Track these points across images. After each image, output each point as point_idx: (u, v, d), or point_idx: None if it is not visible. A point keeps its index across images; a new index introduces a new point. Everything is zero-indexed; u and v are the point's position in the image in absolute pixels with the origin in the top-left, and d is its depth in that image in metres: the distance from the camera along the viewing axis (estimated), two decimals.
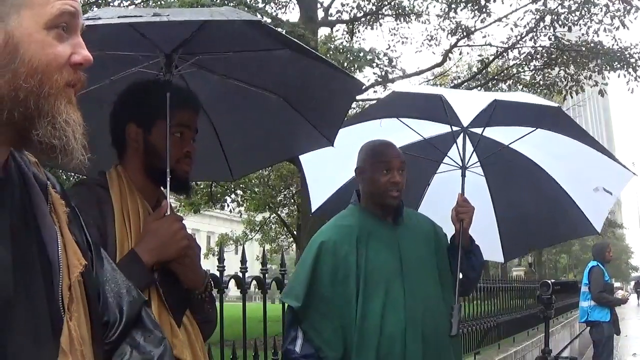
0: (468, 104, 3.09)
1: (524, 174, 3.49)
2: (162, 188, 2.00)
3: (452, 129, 3.17)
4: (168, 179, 1.94)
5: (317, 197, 3.48)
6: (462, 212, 2.85)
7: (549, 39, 14.36)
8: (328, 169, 3.34)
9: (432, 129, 3.38)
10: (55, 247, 1.06)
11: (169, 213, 1.92)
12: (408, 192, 3.06)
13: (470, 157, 3.19)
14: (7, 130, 1.01)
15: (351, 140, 2.89)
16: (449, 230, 2.91)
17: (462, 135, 3.18)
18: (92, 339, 1.12)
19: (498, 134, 3.36)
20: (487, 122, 3.07)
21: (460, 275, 2.77)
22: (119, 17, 1.82)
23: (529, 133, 3.26)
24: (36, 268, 1.03)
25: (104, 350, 1.17)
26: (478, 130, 3.20)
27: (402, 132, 3.32)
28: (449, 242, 2.89)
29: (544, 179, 3.46)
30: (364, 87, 3.08)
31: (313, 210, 3.51)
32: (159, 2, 10.50)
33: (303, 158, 3.31)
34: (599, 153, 3.36)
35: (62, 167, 1.09)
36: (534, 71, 15.35)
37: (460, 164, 3.17)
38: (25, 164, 1.10)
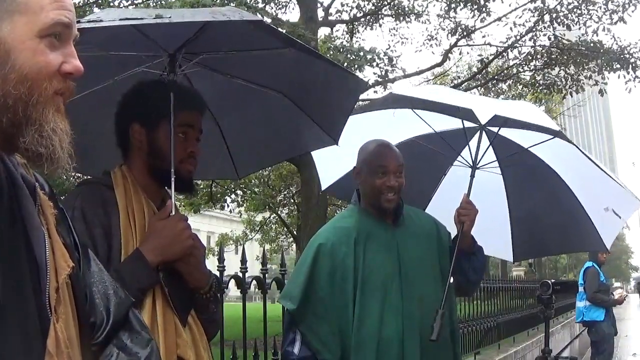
0: (484, 104, 3.07)
1: (542, 178, 3.46)
2: (166, 188, 2.00)
3: (463, 125, 3.13)
4: (173, 179, 1.94)
5: (327, 176, 3.43)
6: (464, 215, 2.83)
7: (549, 38, 14.37)
8: (338, 150, 3.34)
9: (447, 123, 3.33)
10: (42, 249, 1.06)
11: (173, 213, 1.93)
12: (419, 184, 3.03)
13: (483, 156, 3.14)
14: None
15: (363, 127, 2.87)
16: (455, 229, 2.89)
17: (478, 133, 3.14)
18: (80, 340, 1.11)
19: (516, 136, 3.33)
20: (503, 122, 3.05)
21: (452, 280, 2.75)
22: (120, 20, 1.81)
23: (547, 140, 3.23)
24: (24, 270, 1.03)
25: (91, 352, 1.17)
26: (494, 129, 3.17)
27: (415, 124, 3.27)
28: (451, 242, 2.88)
29: (560, 186, 3.43)
30: (366, 87, 3.08)
31: (324, 187, 3.48)
32: (159, 2, 10.49)
33: None
34: (609, 177, 3.36)
35: (49, 175, 1.09)
36: (533, 71, 15.35)
37: (471, 164, 3.13)
38: (13, 165, 1.09)
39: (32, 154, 1.00)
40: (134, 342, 1.24)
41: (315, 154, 3.37)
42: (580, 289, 8.53)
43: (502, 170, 3.46)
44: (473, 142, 3.17)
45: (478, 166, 3.13)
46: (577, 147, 3.28)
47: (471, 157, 3.14)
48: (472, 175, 3.07)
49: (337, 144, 2.71)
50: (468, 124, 3.15)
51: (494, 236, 3.20)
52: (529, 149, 3.34)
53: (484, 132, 3.15)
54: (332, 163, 3.40)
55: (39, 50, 0.99)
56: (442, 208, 3.10)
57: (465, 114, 3.03)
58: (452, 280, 2.74)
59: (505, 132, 3.24)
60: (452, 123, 3.30)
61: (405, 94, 3.25)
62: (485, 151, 3.18)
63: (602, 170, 3.34)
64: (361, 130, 2.84)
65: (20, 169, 1.11)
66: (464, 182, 3.07)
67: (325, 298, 2.60)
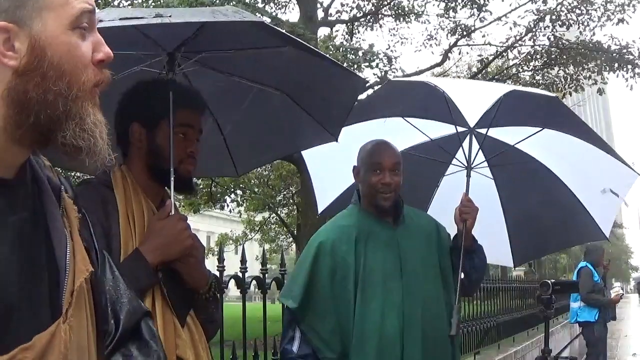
0: (473, 102, 3.08)
1: (533, 176, 3.47)
2: (166, 188, 2.00)
3: (457, 129, 3.15)
4: (172, 178, 1.93)
5: (324, 198, 3.46)
6: (466, 212, 2.83)
7: (548, 38, 14.38)
8: (333, 169, 3.33)
9: (438, 129, 3.36)
10: (63, 252, 1.05)
11: (173, 212, 1.92)
12: (416, 193, 3.05)
13: (475, 157, 3.17)
14: (31, 133, 1.01)
15: (355, 140, 2.89)
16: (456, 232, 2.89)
17: (469, 136, 3.16)
18: (97, 347, 1.10)
19: (505, 134, 3.34)
20: (491, 121, 3.06)
21: (462, 275, 2.76)
22: (120, 19, 1.81)
23: (535, 133, 3.25)
24: (43, 272, 1.02)
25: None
26: (484, 131, 3.19)
27: (407, 132, 3.30)
28: (451, 242, 2.88)
29: (552, 181, 3.44)
30: (366, 85, 3.07)
31: (320, 211, 3.50)
32: (158, 2, 10.48)
33: (307, 158, 3.30)
34: (604, 153, 3.34)
35: (85, 169, 1.10)
36: (533, 71, 15.37)
37: (466, 164, 3.14)
38: (39, 167, 1.09)
39: (71, 148, 1.01)
40: (141, 352, 1.23)
41: (313, 174, 3.38)
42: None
43: (493, 174, 3.47)
44: (466, 144, 3.18)
45: (473, 166, 3.14)
46: (571, 116, 3.26)
47: (465, 158, 3.15)
48: (468, 175, 3.09)
49: (336, 141, 2.72)
50: (460, 129, 3.16)
51: (492, 243, 3.20)
52: (515, 145, 3.33)
53: (473, 136, 3.17)
54: (327, 186, 3.42)
55: (72, 43, 1.00)
56: (441, 213, 3.10)
57: (456, 117, 3.04)
58: (462, 276, 2.74)
59: (494, 132, 3.24)
60: (445, 129, 3.31)
61: (403, 79, 3.26)
62: (477, 153, 3.20)
63: (597, 146, 3.31)
64: (353, 144, 2.86)
65: (47, 171, 1.11)
66: (459, 188, 3.08)
67: (326, 296, 2.59)
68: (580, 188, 3.43)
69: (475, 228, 2.85)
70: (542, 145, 3.36)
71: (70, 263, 1.06)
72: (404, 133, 3.28)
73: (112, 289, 1.23)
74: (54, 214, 1.07)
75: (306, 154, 3.26)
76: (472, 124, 3.07)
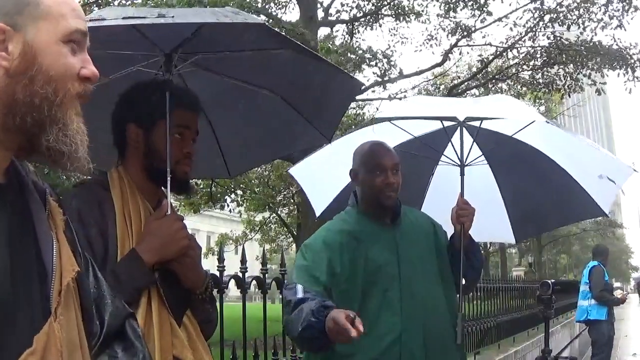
0: (460, 106, 3.10)
1: (529, 161, 3.46)
2: (162, 188, 2.00)
3: (443, 125, 3.14)
4: (169, 179, 1.93)
5: (319, 203, 3.47)
6: (463, 215, 2.81)
7: (547, 38, 14.39)
8: (324, 176, 3.36)
9: (426, 127, 3.36)
10: (50, 253, 1.08)
11: (169, 212, 1.92)
12: (408, 191, 3.04)
13: (469, 152, 3.13)
14: (15, 136, 1.05)
15: (345, 146, 2.92)
16: (451, 229, 2.88)
17: (458, 129, 3.13)
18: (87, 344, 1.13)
19: (499, 125, 3.32)
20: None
21: (463, 281, 2.74)
22: (123, 19, 1.83)
23: (529, 125, 3.24)
24: (33, 273, 1.05)
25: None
26: (474, 123, 3.16)
27: (395, 134, 3.29)
28: (448, 240, 2.87)
29: (549, 165, 3.42)
30: (363, 87, 3.10)
31: (317, 215, 3.51)
32: (158, 1, 10.48)
33: (295, 173, 3.34)
34: (599, 148, 3.37)
35: (66, 172, 1.14)
36: (532, 70, 15.37)
37: (459, 162, 3.11)
38: (24, 171, 1.13)
39: (55, 152, 1.06)
40: (127, 352, 1.25)
41: (304, 185, 3.42)
42: (585, 287, 8.64)
43: (489, 160, 3.46)
44: (456, 140, 3.15)
45: (466, 163, 3.11)
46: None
47: (457, 155, 3.12)
48: (462, 174, 3.05)
49: (330, 142, 2.72)
50: (447, 123, 3.16)
51: (493, 222, 3.21)
52: (513, 135, 3.32)
53: (464, 129, 3.15)
54: (321, 191, 3.45)
55: (62, 53, 1.07)
56: (434, 210, 3.09)
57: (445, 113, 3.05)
58: (464, 282, 2.73)
59: (487, 124, 3.23)
60: (432, 125, 3.31)
61: (386, 115, 3.32)
62: (471, 147, 3.16)
63: (589, 144, 3.36)
64: (343, 151, 2.88)
65: (32, 175, 1.15)
66: (453, 181, 3.06)
67: (326, 286, 2.55)
68: (577, 172, 3.42)
69: (476, 206, 2.84)
70: (536, 134, 3.35)
71: (57, 263, 1.09)
72: (391, 134, 3.28)
73: (96, 291, 1.26)
74: (40, 217, 1.11)
75: (293, 170, 3.31)
76: (461, 117, 3.05)
